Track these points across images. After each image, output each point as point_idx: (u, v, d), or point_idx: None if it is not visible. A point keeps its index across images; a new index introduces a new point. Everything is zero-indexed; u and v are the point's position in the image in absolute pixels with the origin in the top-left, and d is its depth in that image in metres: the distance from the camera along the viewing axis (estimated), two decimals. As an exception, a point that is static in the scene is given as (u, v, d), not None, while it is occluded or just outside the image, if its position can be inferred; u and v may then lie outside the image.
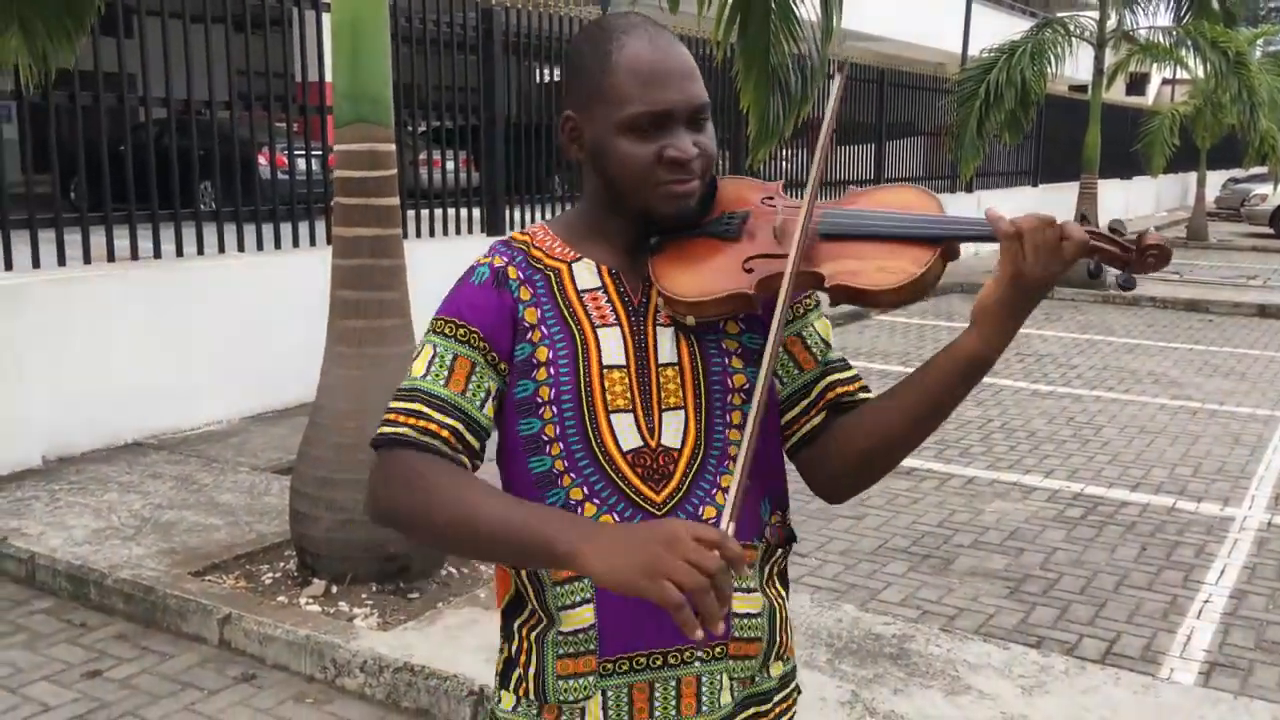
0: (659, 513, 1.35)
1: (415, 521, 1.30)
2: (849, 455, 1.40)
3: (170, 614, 3.95)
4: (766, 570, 1.45)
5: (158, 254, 6.19)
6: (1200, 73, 13.84)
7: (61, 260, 5.76)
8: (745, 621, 1.40)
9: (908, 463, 6.18)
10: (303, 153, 7.17)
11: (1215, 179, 26.02)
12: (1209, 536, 5.13)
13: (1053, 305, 12.77)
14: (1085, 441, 6.76)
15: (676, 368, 1.38)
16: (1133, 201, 25.41)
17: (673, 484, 1.36)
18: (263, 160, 7.25)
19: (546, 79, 8.96)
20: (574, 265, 1.40)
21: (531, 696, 1.40)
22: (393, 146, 3.97)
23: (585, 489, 1.35)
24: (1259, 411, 7.60)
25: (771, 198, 1.41)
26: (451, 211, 7.96)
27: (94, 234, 5.93)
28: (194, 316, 6.07)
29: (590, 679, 1.37)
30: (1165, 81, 30.30)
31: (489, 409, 1.36)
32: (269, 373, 6.36)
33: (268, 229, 6.78)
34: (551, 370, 1.36)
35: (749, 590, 1.40)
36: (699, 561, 1.09)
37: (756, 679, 1.43)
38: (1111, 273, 1.31)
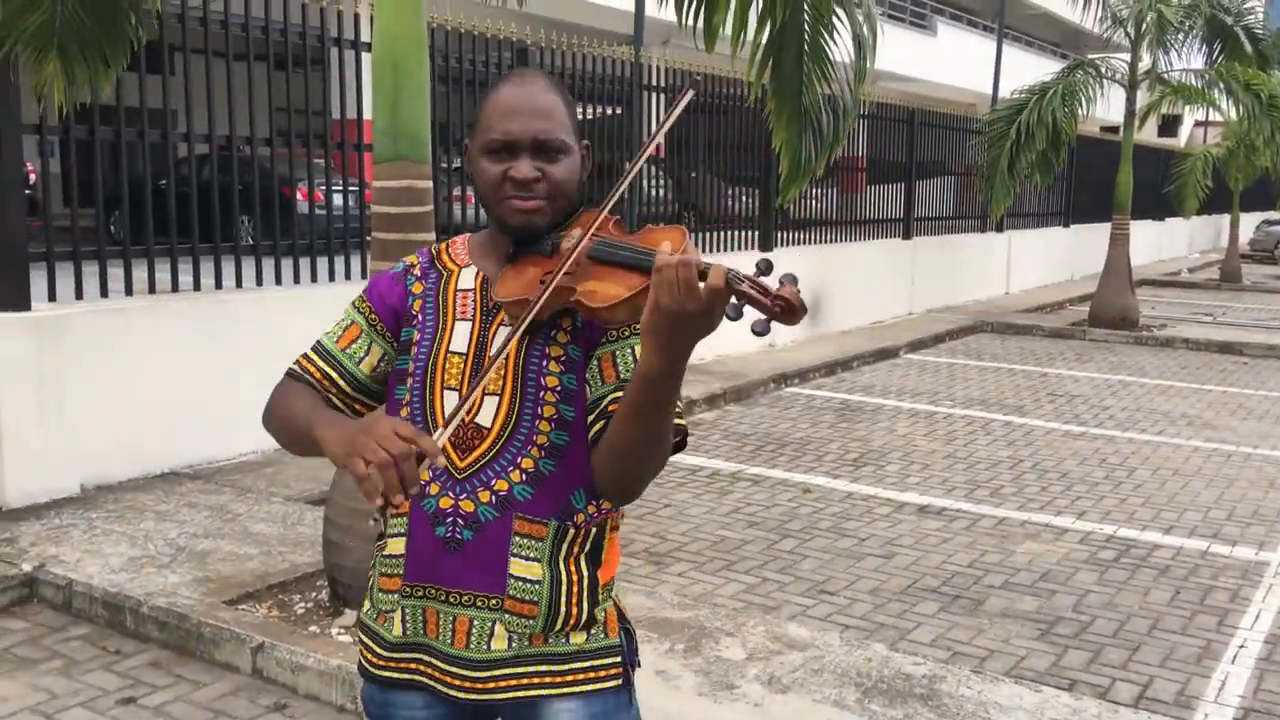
0: (460, 476, 1.63)
1: (268, 422, 1.74)
2: (597, 459, 1.61)
3: (204, 642, 3.98)
4: (564, 549, 1.66)
5: (197, 287, 6.30)
6: (1233, 115, 13.79)
7: (104, 292, 5.86)
8: (520, 584, 1.64)
9: (937, 502, 6.17)
10: (339, 189, 7.28)
11: (1249, 221, 25.86)
12: (1244, 581, 5.08)
13: (1084, 346, 12.71)
14: (1118, 483, 6.71)
15: (506, 360, 1.64)
16: (1165, 243, 25.28)
17: (475, 454, 1.64)
18: (300, 196, 7.36)
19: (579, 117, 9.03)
20: (463, 270, 1.72)
21: (368, 603, 1.75)
22: (430, 183, 4.04)
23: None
24: (1295, 455, 7.52)
25: (602, 226, 1.59)
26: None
27: (136, 267, 6.05)
28: (231, 348, 6.16)
29: (395, 596, 1.69)
30: (1198, 123, 30.22)
31: (366, 365, 1.73)
32: (303, 405, 6.42)
33: (304, 263, 6.87)
34: (416, 350, 1.69)
35: (529, 559, 1.64)
36: (385, 444, 1.41)
37: (550, 641, 1.65)
38: (753, 316, 1.36)
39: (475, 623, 1.64)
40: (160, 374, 5.81)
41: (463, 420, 1.63)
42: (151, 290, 6.08)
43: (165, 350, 5.86)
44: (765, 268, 1.36)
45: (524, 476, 1.63)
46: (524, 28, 7.96)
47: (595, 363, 1.63)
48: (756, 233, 10.94)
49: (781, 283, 1.35)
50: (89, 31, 4.66)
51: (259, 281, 6.64)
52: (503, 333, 1.64)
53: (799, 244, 11.77)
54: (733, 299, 1.35)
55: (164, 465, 5.87)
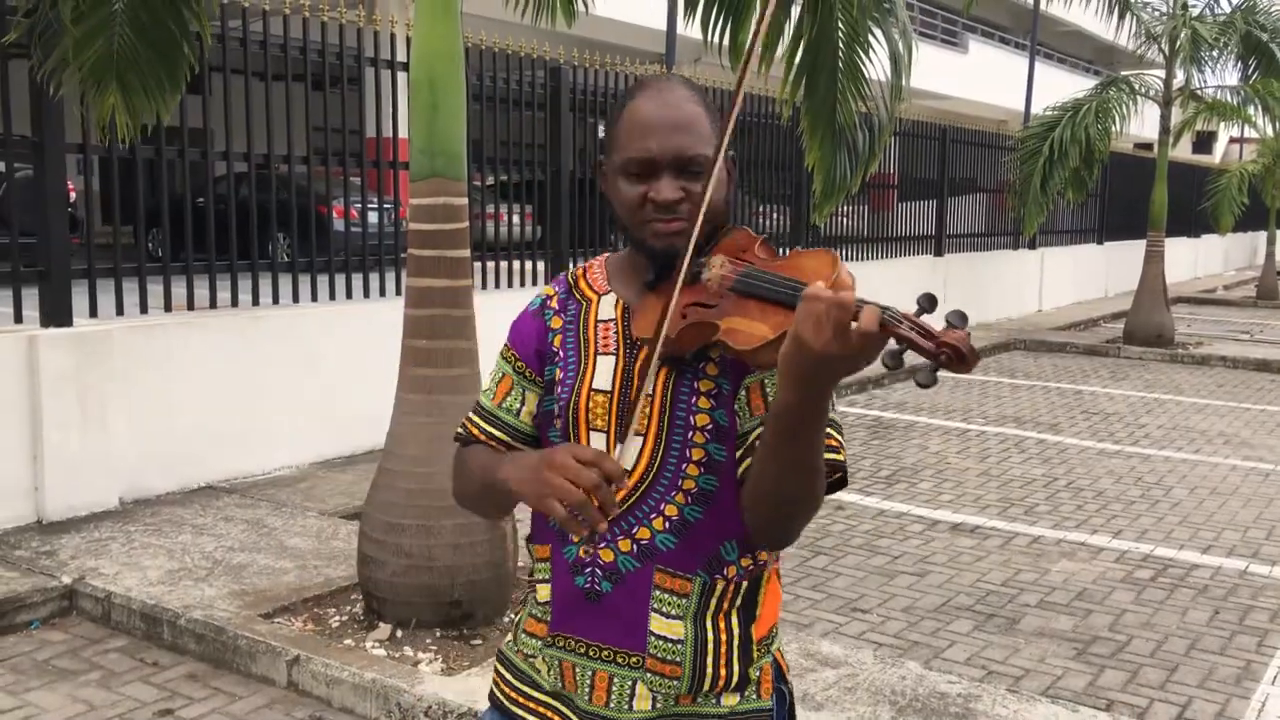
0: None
1: (461, 497, 1.66)
2: (744, 499, 1.46)
3: (240, 655, 4.02)
4: (712, 605, 1.53)
5: (235, 303, 6.37)
6: (1269, 131, 13.67)
7: (144, 308, 5.95)
8: (661, 644, 1.51)
9: (971, 520, 6.14)
10: (375, 206, 7.35)
11: (1286, 238, 25.53)
12: (1284, 601, 5.01)
13: (1118, 364, 12.60)
14: (1154, 502, 6.64)
15: (649, 398, 1.50)
16: (1201, 260, 25.04)
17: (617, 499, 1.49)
18: (336, 214, 7.44)
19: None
20: (602, 298, 1.59)
21: (512, 637, 1.69)
22: (465, 200, 4.08)
23: None
24: (1335, 475, 7.42)
25: (746, 249, 1.47)
26: (517, 264, 8.09)
27: (175, 284, 6.13)
28: (268, 364, 6.23)
29: (539, 642, 1.61)
30: (1233, 140, 29.97)
31: (525, 414, 1.62)
32: (339, 420, 6.49)
33: (340, 280, 6.94)
34: (560, 389, 1.57)
35: (670, 616, 1.51)
36: (574, 478, 1.33)
37: (699, 701, 1.53)
38: (920, 365, 1.21)
39: (615, 680, 1.53)
40: (198, 389, 5.88)
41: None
42: (190, 307, 6.16)
43: (203, 365, 5.93)
44: (928, 304, 1.20)
45: (667, 525, 1.50)
46: (557, 47, 8.02)
47: (743, 393, 1.49)
48: (786, 250, 10.92)
49: (949, 324, 1.19)
50: (146, 61, 4.74)
51: (295, 298, 6.71)
52: (650, 366, 1.49)
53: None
54: (891, 343, 1.19)
55: (201, 479, 5.93)
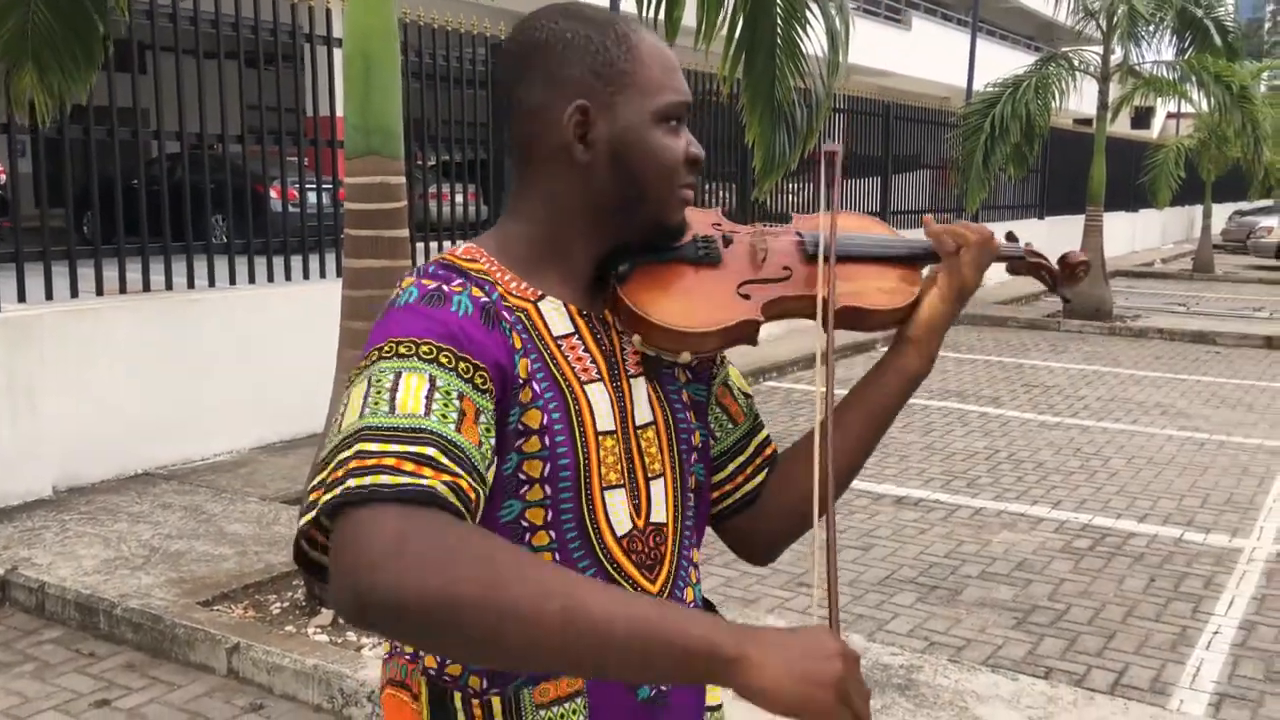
0: None
1: (476, 615, 0.87)
2: (792, 511, 1.29)
3: (179, 644, 3.95)
4: None
5: (169, 286, 6.25)
6: (1204, 106, 13.91)
7: (74, 292, 5.81)
8: (711, 714, 1.28)
9: (915, 493, 6.20)
10: (313, 186, 7.24)
11: (1221, 212, 26.07)
12: (1218, 567, 5.12)
13: (1059, 337, 12.78)
14: (1093, 473, 6.75)
15: (654, 427, 1.19)
16: (1139, 234, 25.45)
17: (665, 569, 1.18)
18: (273, 194, 7.32)
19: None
20: (540, 305, 1.14)
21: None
22: (403, 179, 4.02)
23: None
24: (1267, 443, 7.59)
25: (719, 223, 1.31)
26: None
27: (106, 267, 6.00)
28: (204, 348, 6.12)
29: None
30: (1170, 115, 30.44)
31: (492, 471, 1.03)
32: (278, 404, 6.39)
33: (277, 261, 6.83)
34: (546, 440, 1.09)
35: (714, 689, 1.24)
36: (856, 708, 0.93)
37: None
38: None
39: None
40: (132, 374, 5.76)
41: (637, 526, 1.16)
42: (122, 290, 6.03)
43: (137, 350, 5.81)
44: (1013, 239, 1.41)
45: (698, 574, 1.25)
46: (498, 22, 7.93)
47: (711, 399, 1.29)
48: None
49: (1066, 256, 1.42)
50: (60, 39, 4.62)
51: (231, 280, 6.60)
52: (638, 385, 1.19)
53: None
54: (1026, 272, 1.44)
55: (138, 466, 5.82)
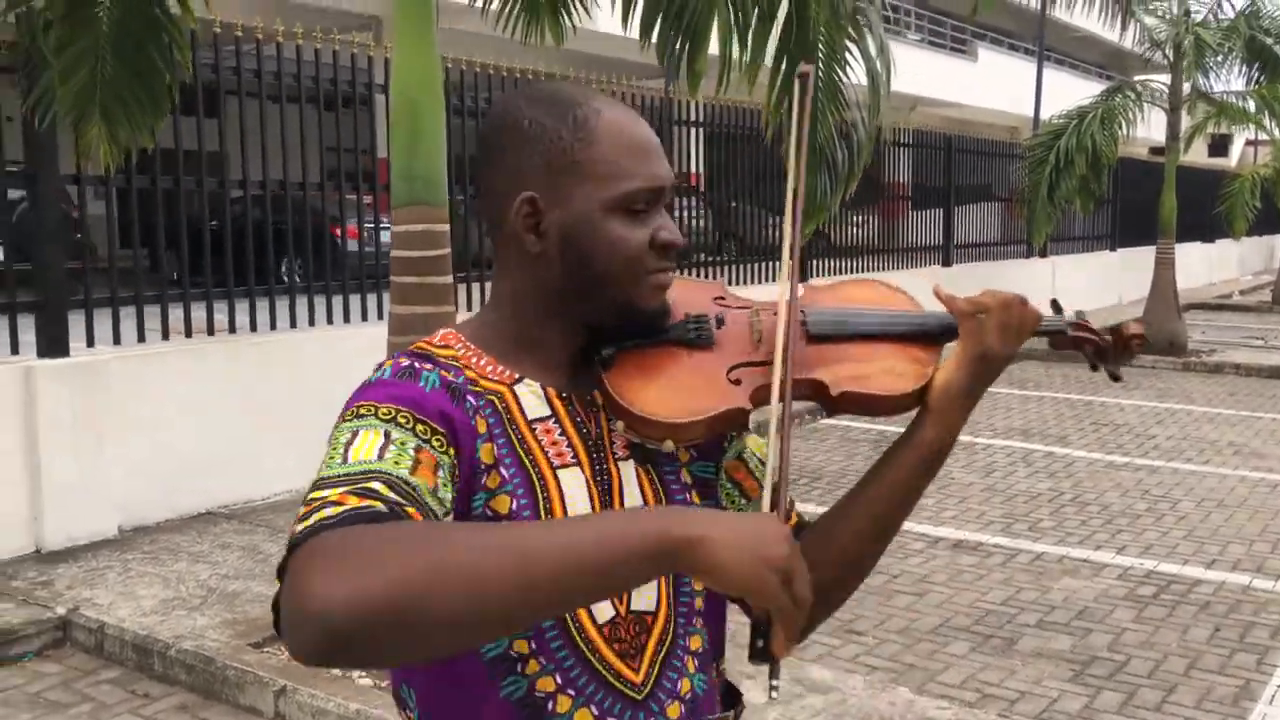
0: (639, 697, 1.12)
1: (413, 594, 0.83)
2: (818, 586, 1.16)
3: (229, 685, 4.02)
4: None
5: (233, 329, 6.39)
6: (1278, 134, 13.57)
7: (141, 336, 5.97)
8: None
9: (973, 537, 6.08)
10: (371, 226, 7.38)
11: (1303, 241, 25.37)
12: (1288, 618, 4.95)
13: (1130, 373, 12.48)
14: (1160, 516, 6.57)
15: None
16: (1216, 265, 24.85)
17: (647, 658, 1.14)
18: (350, 235, 7.48)
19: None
20: (515, 388, 1.13)
21: None
22: (446, 226, 4.08)
23: (559, 677, 1.09)
24: (1346, 485, 7.33)
25: (722, 297, 1.25)
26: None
27: (172, 309, 6.16)
28: (266, 389, 6.24)
29: None
30: (1249, 142, 29.77)
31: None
32: (336, 444, 6.47)
33: (337, 302, 6.96)
34: None
35: None
36: (794, 583, 0.93)
37: None
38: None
39: None
40: (196, 416, 5.90)
41: (619, 613, 1.13)
42: (188, 334, 6.18)
43: (201, 392, 5.95)
44: (1058, 308, 1.32)
45: (697, 664, 1.18)
46: (552, 64, 8.03)
47: (723, 476, 1.24)
48: (777, 264, 10.88)
49: (1120, 328, 1.30)
50: (128, 90, 4.77)
51: (293, 323, 6.73)
52: (626, 469, 1.16)
53: (835, 273, 11.71)
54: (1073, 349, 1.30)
55: (200, 506, 5.95)
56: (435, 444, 1.02)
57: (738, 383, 1.16)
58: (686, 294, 1.21)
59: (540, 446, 1.11)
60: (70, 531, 5.35)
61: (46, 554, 5.26)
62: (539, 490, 1.10)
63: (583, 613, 1.10)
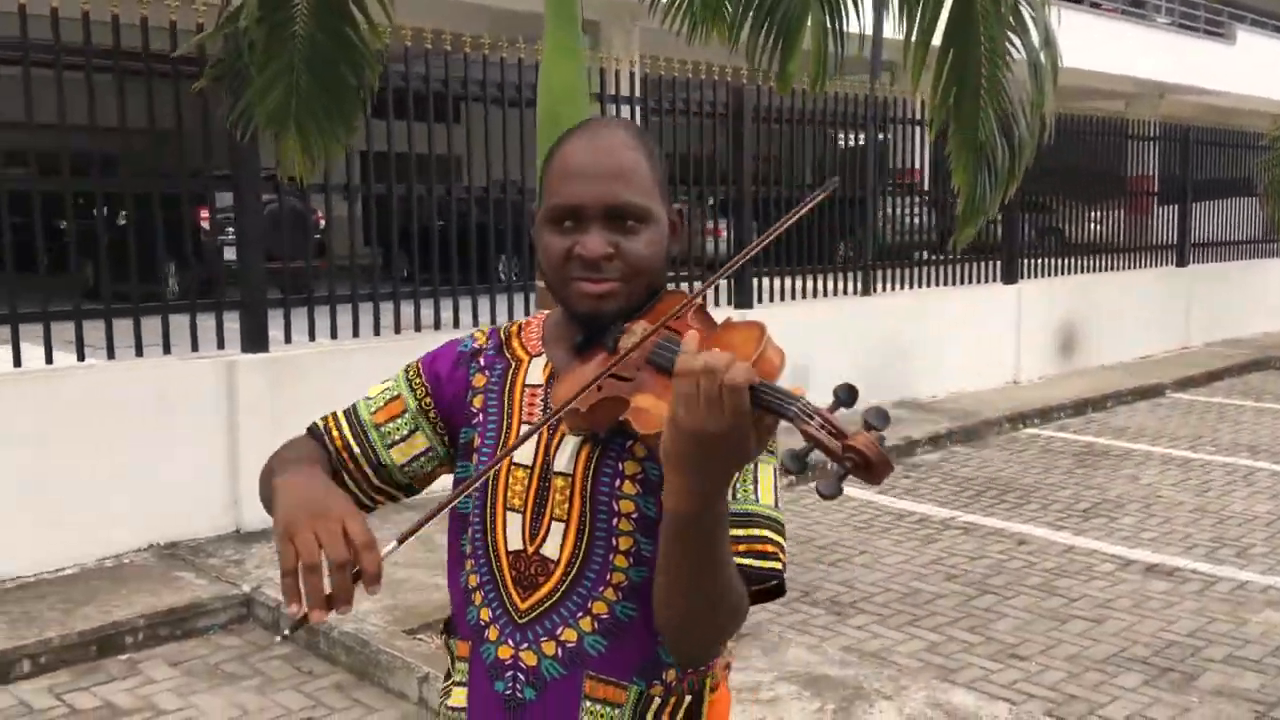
0: (520, 620, 1.36)
1: (261, 486, 1.40)
2: (654, 608, 1.30)
3: (381, 669, 4.22)
4: (649, 718, 1.35)
5: (418, 329, 6.68)
6: None
7: (334, 334, 6.33)
8: None
9: (1170, 561, 5.65)
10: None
11: None
12: None
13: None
14: (1396, 547, 5.90)
15: (568, 478, 1.34)
16: None
17: (539, 594, 1.35)
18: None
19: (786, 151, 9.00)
20: (533, 360, 1.43)
21: None
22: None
23: (478, 577, 1.40)
24: None
25: (685, 317, 1.31)
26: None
27: (373, 306, 6.53)
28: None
29: None
30: None
31: (399, 452, 1.44)
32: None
33: (501, 301, 7.13)
34: (477, 458, 1.41)
35: None
36: (326, 543, 1.16)
37: None
38: (830, 469, 1.05)
39: None
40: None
41: (526, 550, 1.35)
42: (376, 333, 6.51)
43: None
44: (846, 397, 1.07)
45: (597, 625, 1.32)
46: (735, 62, 7.98)
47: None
48: (999, 263, 10.41)
49: (866, 424, 1.04)
50: (322, 106, 5.07)
51: (455, 323, 6.93)
52: (569, 442, 1.34)
53: (1051, 274, 11.06)
54: (804, 443, 1.05)
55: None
56: (416, 391, 1.45)
57: (600, 389, 1.27)
58: (673, 304, 1.31)
59: (520, 406, 1.40)
60: (265, 514, 5.73)
61: (244, 534, 5.67)
62: (502, 437, 1.40)
63: (499, 537, 1.37)
